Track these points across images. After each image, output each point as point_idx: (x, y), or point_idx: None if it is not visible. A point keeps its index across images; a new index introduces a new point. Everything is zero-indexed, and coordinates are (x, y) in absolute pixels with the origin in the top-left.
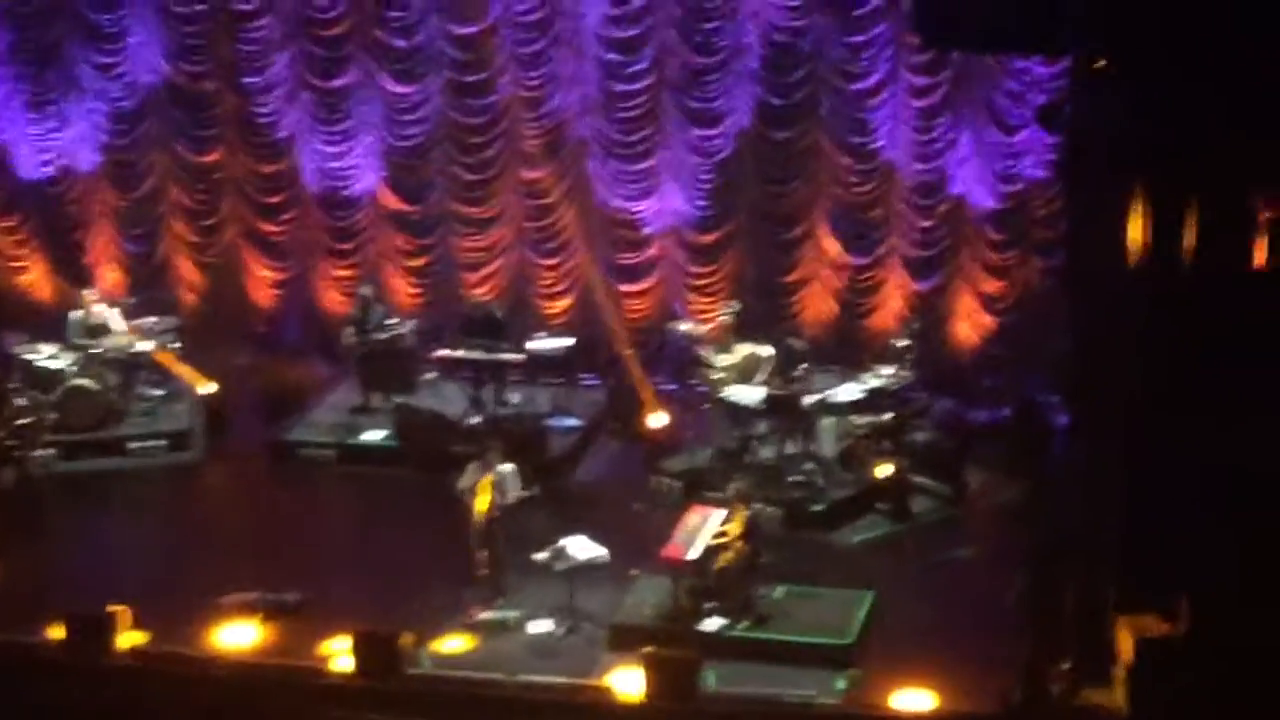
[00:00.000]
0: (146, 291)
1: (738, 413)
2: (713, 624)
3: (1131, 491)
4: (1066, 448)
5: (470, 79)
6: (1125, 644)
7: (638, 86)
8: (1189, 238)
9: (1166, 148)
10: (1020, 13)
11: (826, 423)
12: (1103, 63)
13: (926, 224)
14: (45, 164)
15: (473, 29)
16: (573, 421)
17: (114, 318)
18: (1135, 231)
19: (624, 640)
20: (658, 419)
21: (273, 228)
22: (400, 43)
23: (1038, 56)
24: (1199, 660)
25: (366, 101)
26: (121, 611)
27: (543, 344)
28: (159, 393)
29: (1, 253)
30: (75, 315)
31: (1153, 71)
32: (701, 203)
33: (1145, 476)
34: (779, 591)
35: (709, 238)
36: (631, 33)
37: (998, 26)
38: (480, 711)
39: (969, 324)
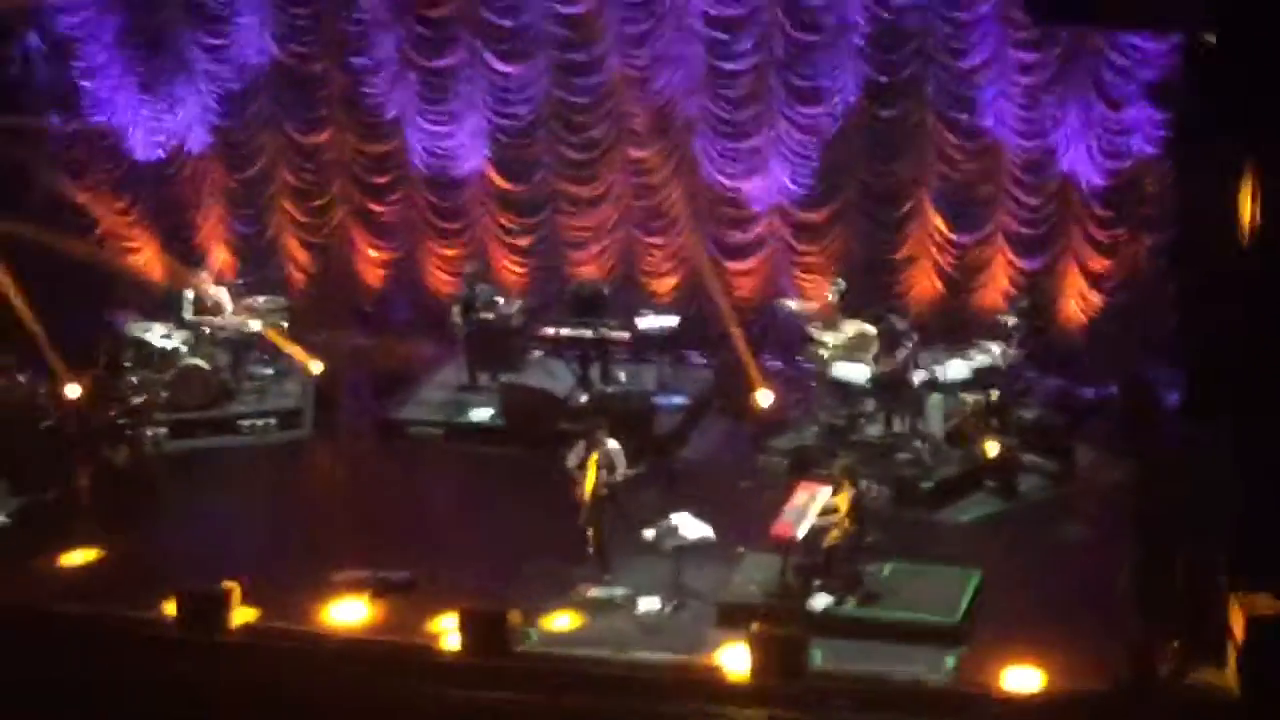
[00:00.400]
0: (256, 271)
1: (845, 390)
2: (820, 601)
3: (1244, 470)
4: (1176, 426)
5: (576, 58)
6: (1237, 623)
7: (743, 65)
8: None
9: (1276, 124)
10: None
11: (934, 400)
12: (1212, 38)
13: (1033, 201)
14: (156, 145)
15: (579, 8)
16: (680, 399)
17: (224, 297)
18: (1246, 209)
19: (731, 618)
20: (765, 397)
21: (380, 208)
22: (506, 22)
23: (1146, 33)
24: None
25: (472, 81)
26: (233, 588)
27: (649, 322)
28: (269, 371)
29: (114, 233)
30: (187, 294)
31: (1264, 48)
32: (807, 180)
33: (1257, 454)
34: (886, 569)
35: (815, 215)
36: (737, 11)
37: (1107, 2)
38: (588, 689)
39: (1077, 302)
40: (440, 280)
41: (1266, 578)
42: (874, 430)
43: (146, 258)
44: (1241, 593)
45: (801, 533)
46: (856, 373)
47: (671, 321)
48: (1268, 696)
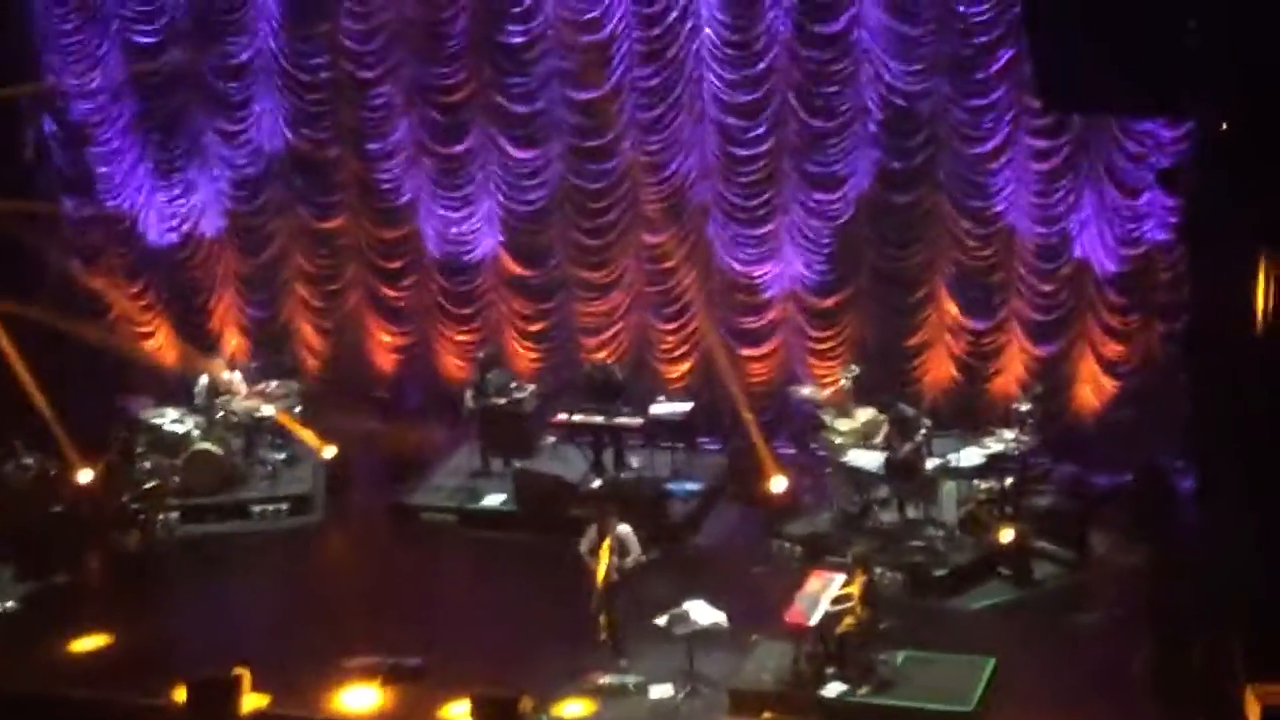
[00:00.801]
0: (269, 356)
1: (858, 477)
2: (833, 689)
3: (1260, 555)
4: (1191, 513)
5: (591, 144)
6: (1253, 713)
7: (757, 151)
8: None
9: None
10: (1143, 76)
11: (948, 487)
12: (1226, 126)
13: (1048, 288)
14: (171, 230)
15: (593, 94)
16: (693, 485)
17: (237, 382)
18: (1260, 296)
19: (744, 705)
20: (778, 483)
21: (394, 292)
22: (520, 108)
23: (1161, 120)
24: None
25: (486, 166)
26: (244, 674)
27: (663, 408)
28: (281, 456)
29: (128, 318)
30: (200, 380)
31: (1275, 135)
32: (821, 266)
33: (1273, 540)
34: (900, 657)
35: (829, 301)
36: (751, 97)
37: (1120, 90)
38: None
39: (1091, 388)
40: (453, 365)
41: None
42: (888, 517)
43: (159, 342)
44: (1258, 682)
45: (815, 620)
46: (870, 460)
47: (685, 407)
48: None
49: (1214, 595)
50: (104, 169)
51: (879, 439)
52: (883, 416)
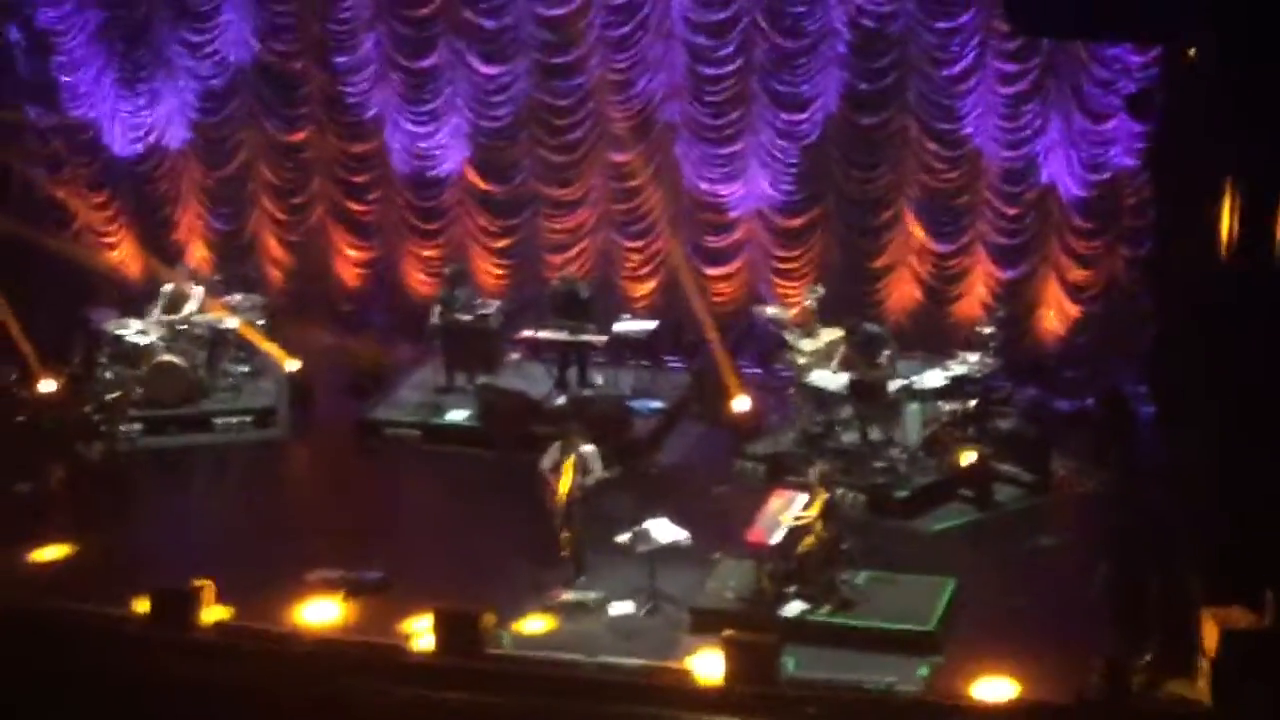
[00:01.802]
0: (234, 268)
1: (822, 397)
2: (794, 608)
3: (1219, 482)
4: (1152, 438)
5: (558, 61)
6: (1210, 636)
7: (725, 70)
8: (1278, 230)
9: (1257, 139)
10: (1112, 1)
11: (911, 409)
12: (1194, 51)
13: (1013, 211)
14: (135, 141)
15: (561, 11)
16: (656, 404)
17: (201, 294)
18: (1225, 223)
19: (705, 623)
20: (741, 403)
21: (359, 207)
22: (489, 23)
23: (1129, 44)
24: None
25: (454, 82)
26: (205, 586)
27: (627, 326)
28: (245, 369)
29: (92, 228)
30: (164, 291)
31: (1246, 62)
32: (788, 187)
33: (1233, 467)
34: (861, 577)
35: (795, 222)
36: (720, 16)
37: (1089, 13)
38: (560, 692)
39: (1055, 312)
40: (419, 281)
41: (1240, 591)
42: (850, 438)
43: (124, 253)
44: (1215, 606)
45: (776, 539)
46: (833, 380)
47: (649, 326)
48: (1239, 710)
49: (1173, 520)
50: (68, 78)
51: (836, 360)
52: (842, 336)
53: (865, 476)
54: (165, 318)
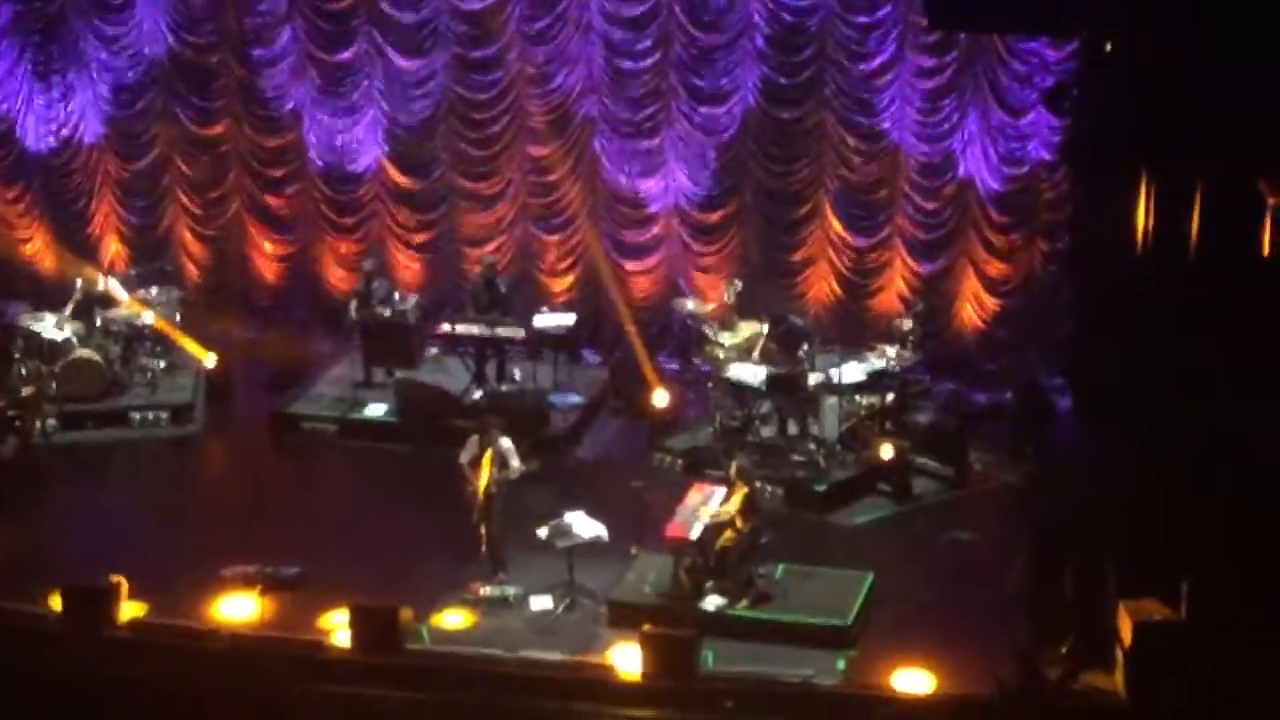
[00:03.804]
0: (149, 263)
1: (740, 391)
2: (712, 602)
3: (1136, 474)
4: (1069, 431)
5: (476, 55)
6: (1125, 628)
7: (644, 64)
8: (1194, 223)
9: (1173, 132)
10: None
11: (829, 403)
12: (1110, 46)
13: (931, 205)
14: (49, 134)
15: (479, 5)
16: (575, 398)
17: (116, 288)
18: (1140, 217)
19: (623, 617)
20: (660, 397)
21: (276, 201)
22: (407, 17)
23: (1045, 38)
24: (1199, 646)
25: (371, 76)
26: (120, 582)
27: (546, 320)
28: (161, 364)
29: (5, 222)
30: (79, 285)
31: (1159, 55)
32: (706, 181)
33: (1147, 460)
34: (779, 571)
35: (713, 216)
36: (638, 11)
37: (1006, 7)
38: (479, 687)
39: (972, 306)
40: (336, 275)
41: (1154, 583)
42: (768, 432)
43: (38, 247)
44: (1129, 598)
45: (695, 533)
46: (752, 374)
47: (568, 320)
48: (1154, 701)
49: (1089, 513)
50: None
51: (756, 351)
52: (762, 329)
53: (784, 470)
54: (82, 312)
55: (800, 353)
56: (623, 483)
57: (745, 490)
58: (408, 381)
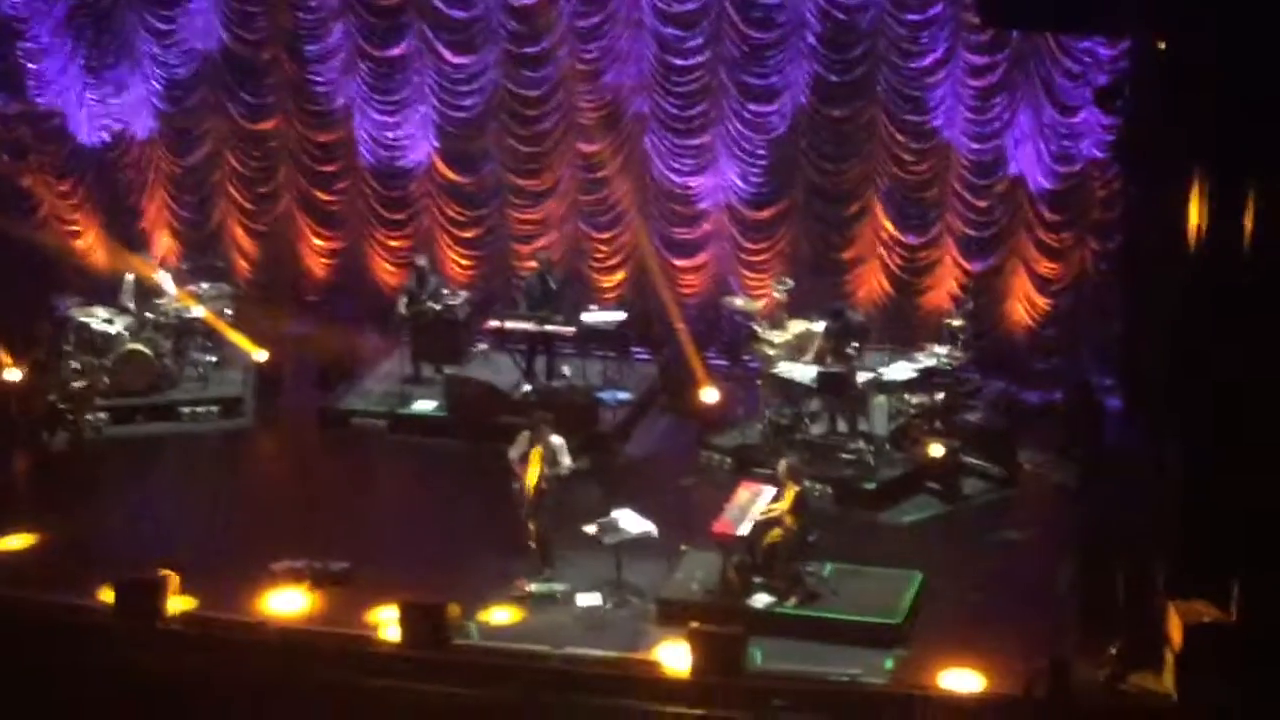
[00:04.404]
0: (200, 257)
1: (790, 389)
2: (761, 600)
3: (1185, 475)
4: (1119, 431)
5: (527, 51)
6: (1175, 629)
7: (694, 61)
8: (1247, 222)
9: (1227, 132)
10: None
11: (879, 401)
12: (1162, 44)
13: (982, 204)
14: (101, 129)
15: (530, 1)
16: (624, 395)
17: (168, 283)
18: (1193, 216)
19: (671, 615)
20: (709, 394)
21: (326, 197)
22: (457, 13)
23: (1098, 37)
24: (1250, 647)
25: (422, 71)
26: (171, 576)
27: (595, 317)
28: (211, 359)
29: (57, 217)
30: (129, 279)
31: (1214, 54)
32: (756, 179)
33: (1199, 460)
34: (828, 569)
35: (763, 214)
36: (689, 7)
37: (1059, 6)
38: (526, 683)
39: (1023, 305)
40: (386, 271)
41: (1204, 584)
42: (818, 430)
43: (90, 241)
44: (1179, 599)
45: (743, 531)
46: (801, 372)
47: (617, 317)
48: (1204, 703)
49: (1139, 514)
50: (35, 66)
51: (813, 349)
52: (816, 329)
53: (833, 469)
54: (133, 306)
55: (850, 349)
56: (671, 480)
57: (794, 488)
58: (458, 377)
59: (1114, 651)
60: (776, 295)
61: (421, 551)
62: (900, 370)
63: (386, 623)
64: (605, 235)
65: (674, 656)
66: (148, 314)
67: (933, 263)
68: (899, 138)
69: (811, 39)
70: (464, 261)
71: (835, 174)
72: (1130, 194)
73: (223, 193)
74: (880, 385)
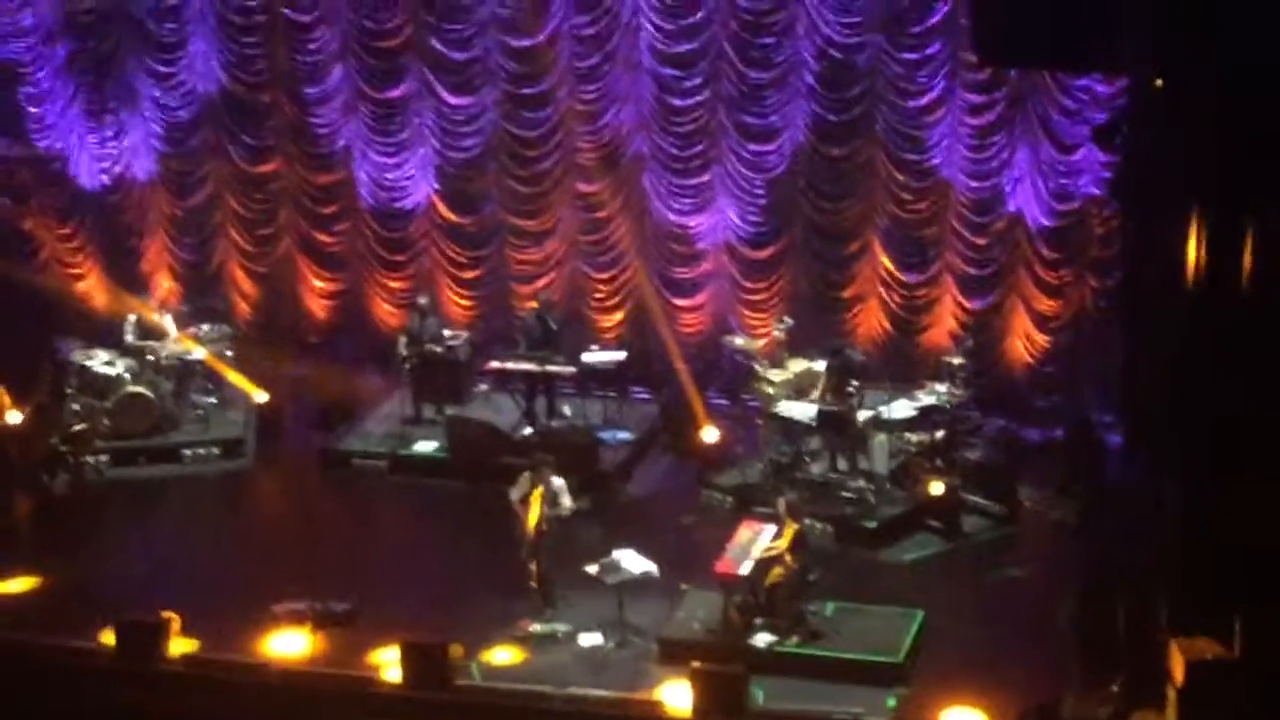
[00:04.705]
0: (200, 300)
1: (790, 428)
2: (762, 639)
3: (1186, 511)
4: (1119, 467)
5: (527, 92)
6: (1177, 666)
7: (693, 101)
8: (1246, 259)
9: (1225, 168)
10: (1080, 31)
11: (879, 439)
12: (1160, 81)
13: (981, 241)
14: (102, 172)
15: (529, 42)
16: (625, 435)
17: (169, 325)
18: (1192, 252)
19: (673, 654)
20: (710, 433)
21: (327, 238)
22: (457, 55)
23: (1096, 75)
24: (1252, 684)
25: (422, 113)
26: (172, 618)
27: (595, 356)
28: (212, 400)
29: (58, 259)
30: (130, 321)
31: (1213, 90)
32: (755, 218)
33: (1199, 497)
34: (829, 608)
35: (763, 253)
36: (688, 47)
37: (1056, 45)
38: None
39: (1023, 342)
40: (386, 312)
41: (1206, 621)
42: (818, 469)
43: (90, 284)
44: (1181, 635)
45: (745, 570)
46: (801, 410)
47: (618, 357)
48: None
49: (1141, 550)
50: (35, 109)
51: (819, 388)
52: (817, 367)
53: (833, 507)
54: (135, 347)
55: (849, 388)
56: (672, 519)
57: (795, 527)
58: (459, 418)
59: (1116, 689)
60: (776, 334)
61: (423, 592)
62: (900, 408)
63: (388, 663)
64: (605, 275)
65: (676, 696)
66: (148, 356)
67: (932, 301)
68: (898, 176)
69: (809, 78)
70: (464, 302)
71: (834, 213)
72: (1129, 230)
73: (223, 234)
74: (880, 423)
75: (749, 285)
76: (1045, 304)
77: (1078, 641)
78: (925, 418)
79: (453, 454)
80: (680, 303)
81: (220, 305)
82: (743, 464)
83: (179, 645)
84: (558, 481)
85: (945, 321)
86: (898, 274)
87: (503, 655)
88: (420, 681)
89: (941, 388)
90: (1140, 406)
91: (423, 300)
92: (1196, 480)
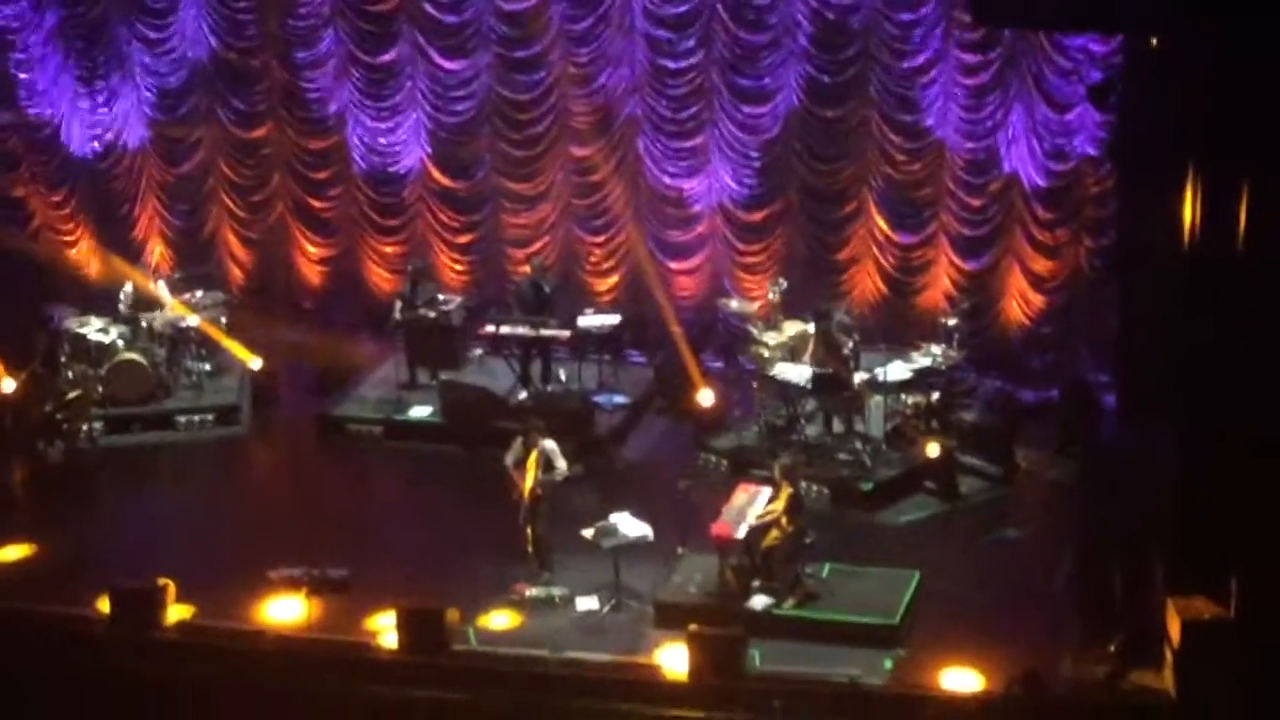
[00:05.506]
0: (194, 266)
1: (785, 390)
2: (759, 602)
3: (1182, 472)
4: (1115, 428)
5: (519, 55)
6: (1174, 626)
7: (687, 64)
8: (1241, 219)
9: (1221, 128)
10: None
11: (874, 401)
12: (1156, 40)
13: (976, 202)
14: (93, 139)
15: (522, 5)
16: (620, 399)
17: (162, 292)
18: (1187, 211)
19: (670, 618)
20: (705, 396)
21: (320, 204)
22: (449, 18)
23: (1091, 34)
24: (1249, 643)
25: (414, 77)
26: (167, 585)
27: (590, 320)
28: (206, 367)
29: (50, 227)
30: (124, 288)
31: (1207, 50)
32: (750, 180)
33: (1196, 457)
34: (825, 570)
35: (757, 215)
36: (680, 10)
37: (1051, 3)
38: (525, 688)
39: (1018, 303)
40: (380, 277)
41: (1203, 581)
42: (814, 431)
43: (83, 251)
44: (1178, 595)
45: (741, 533)
46: (797, 373)
47: (612, 320)
48: (1203, 700)
49: (1137, 510)
50: (26, 76)
51: (809, 352)
52: (810, 330)
53: (829, 469)
54: (128, 315)
55: (845, 349)
56: (668, 483)
57: (792, 490)
58: (453, 383)
59: (1113, 649)
60: (771, 297)
61: (419, 557)
62: (896, 370)
63: (385, 629)
64: (599, 239)
65: (673, 659)
66: (142, 323)
67: (927, 262)
68: (892, 137)
69: (803, 40)
70: (458, 266)
71: (829, 174)
72: (1124, 190)
73: (215, 201)
74: (876, 385)
75: (743, 248)
76: (1041, 264)
77: (1075, 602)
78: (921, 379)
79: (447, 419)
80: (675, 266)
81: (213, 271)
82: (738, 427)
83: (174, 612)
84: (552, 446)
85: (940, 283)
86: (892, 235)
87: (499, 620)
88: (417, 646)
89: (937, 349)
90: (1136, 366)
91: (415, 265)
92: (1193, 440)
